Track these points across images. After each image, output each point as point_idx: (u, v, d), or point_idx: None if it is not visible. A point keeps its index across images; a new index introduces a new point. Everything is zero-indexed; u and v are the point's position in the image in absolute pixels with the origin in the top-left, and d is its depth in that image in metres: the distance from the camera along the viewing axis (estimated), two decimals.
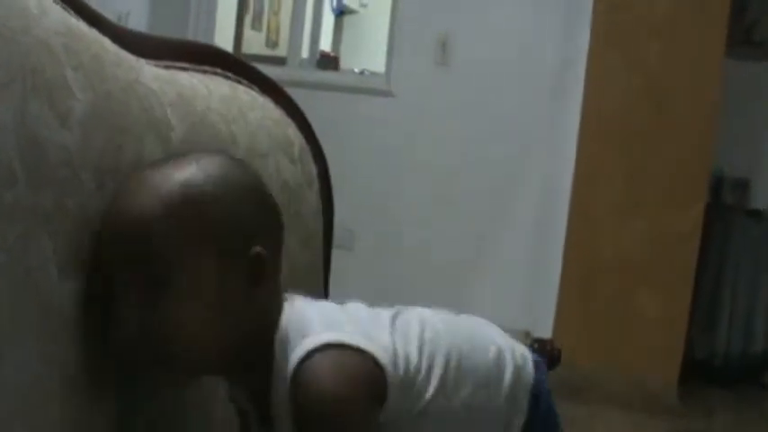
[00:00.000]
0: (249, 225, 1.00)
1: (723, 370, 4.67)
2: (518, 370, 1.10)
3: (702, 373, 4.55)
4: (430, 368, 1.02)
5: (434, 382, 1.01)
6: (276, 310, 1.01)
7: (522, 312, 4.23)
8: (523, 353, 1.14)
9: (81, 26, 1.01)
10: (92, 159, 0.94)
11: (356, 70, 6.35)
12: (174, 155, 1.02)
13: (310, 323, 0.99)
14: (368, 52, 7.15)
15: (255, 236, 0.99)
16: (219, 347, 0.95)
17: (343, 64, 6.76)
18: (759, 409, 4.37)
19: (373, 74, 5.73)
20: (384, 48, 4.95)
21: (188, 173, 0.97)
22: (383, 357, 0.98)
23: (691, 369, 4.32)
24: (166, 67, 1.26)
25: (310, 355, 0.95)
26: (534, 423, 1.10)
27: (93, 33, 1.03)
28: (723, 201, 5.00)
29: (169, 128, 1.12)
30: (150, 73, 1.16)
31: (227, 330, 0.96)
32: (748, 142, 5.01)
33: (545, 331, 3.95)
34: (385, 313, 1.07)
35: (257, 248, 0.98)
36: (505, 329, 1.76)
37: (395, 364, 0.99)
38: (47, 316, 0.87)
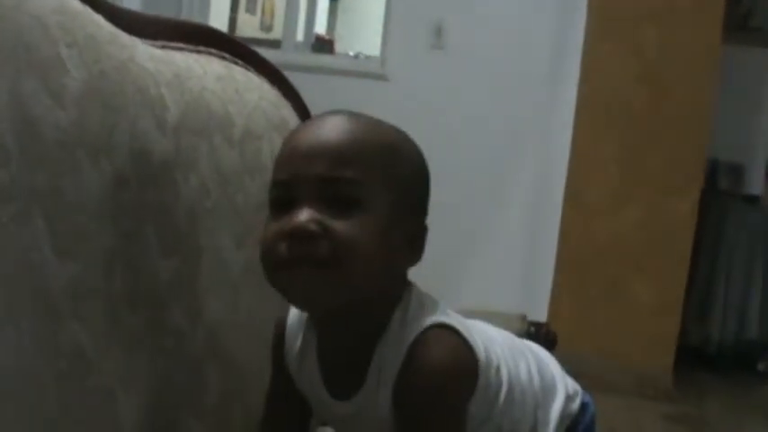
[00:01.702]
0: (420, 196, 1.07)
1: (717, 356, 4.68)
2: (567, 401, 1.18)
3: (697, 360, 4.56)
4: (500, 384, 1.07)
5: (501, 397, 1.07)
6: (404, 283, 1.06)
7: (517, 298, 4.22)
8: (576, 387, 1.22)
9: (75, 4, 0.99)
10: (87, 138, 0.93)
11: (351, 54, 6.34)
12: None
13: (434, 304, 1.05)
14: (363, 36, 7.13)
15: (425, 208, 1.07)
16: (376, 273, 0.98)
17: (338, 47, 6.75)
18: (753, 395, 4.38)
19: (368, 57, 5.72)
20: (379, 31, 4.94)
21: (389, 126, 1.06)
22: (481, 363, 1.03)
23: (685, 355, 4.33)
24: (162, 47, 1.25)
25: (437, 327, 1.00)
26: None
27: (87, 11, 1.02)
28: (718, 187, 5.00)
29: (164, 107, 1.11)
30: (145, 52, 1.15)
31: (386, 266, 0.99)
32: (744, 128, 5.01)
33: (540, 317, 3.94)
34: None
35: (424, 221, 1.06)
36: (501, 313, 1.77)
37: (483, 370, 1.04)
38: (42, 298, 0.86)
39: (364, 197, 0.96)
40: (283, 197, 0.98)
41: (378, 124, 1.04)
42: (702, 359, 4.63)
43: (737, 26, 4.69)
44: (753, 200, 4.90)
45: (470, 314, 1.75)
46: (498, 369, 1.07)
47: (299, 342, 1.10)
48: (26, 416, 0.83)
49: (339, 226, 0.94)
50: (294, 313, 1.11)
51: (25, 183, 0.83)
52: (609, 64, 4.17)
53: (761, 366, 4.60)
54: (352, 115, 1.03)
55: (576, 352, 3.96)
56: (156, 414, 1.05)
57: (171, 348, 1.09)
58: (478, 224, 4.62)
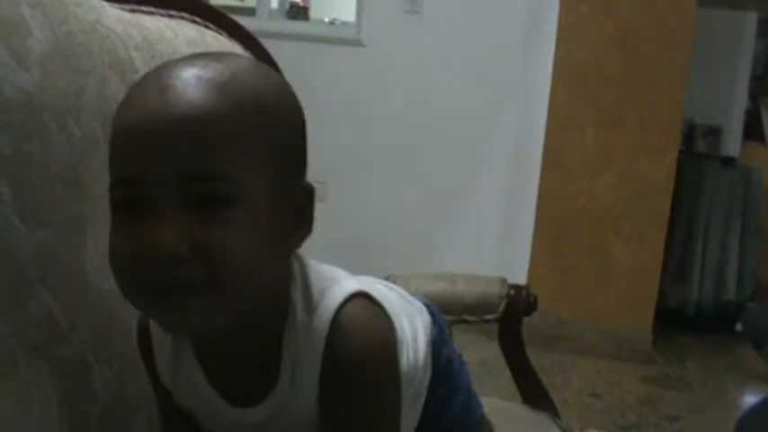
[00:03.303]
0: (302, 151, 0.87)
1: (696, 318, 4.70)
2: (425, 326, 1.05)
3: (675, 322, 4.58)
4: (404, 339, 0.95)
5: (408, 349, 0.96)
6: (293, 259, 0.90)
7: (497, 261, 4.22)
8: (418, 305, 1.09)
9: None
10: (53, 101, 0.90)
11: (326, 20, 6.29)
12: (205, 54, 0.86)
13: (333, 271, 0.92)
14: (338, 2, 7.07)
15: (304, 166, 0.87)
16: (263, 280, 0.81)
17: (314, 14, 6.69)
18: (731, 356, 4.41)
19: (344, 23, 5.68)
20: None
21: (249, 73, 0.83)
22: (391, 315, 0.91)
23: (663, 317, 4.35)
24: (131, 11, 1.22)
25: (353, 297, 0.87)
26: (436, 375, 1.05)
27: None
28: (695, 149, 5.01)
29: (134, 70, 1.09)
30: (113, 15, 1.12)
31: (271, 265, 0.82)
32: (720, 90, 5.01)
33: (519, 280, 3.93)
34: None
35: (308, 182, 0.87)
36: (481, 277, 1.75)
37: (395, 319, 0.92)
38: (8, 266, 0.84)
39: (239, 190, 0.77)
40: (129, 196, 0.78)
41: (235, 74, 0.81)
42: (681, 320, 4.65)
43: None
44: (729, 161, 4.91)
45: (452, 278, 1.74)
46: (402, 328, 0.95)
47: (168, 345, 0.93)
48: None
49: (212, 239, 0.76)
50: None
51: None
52: (585, 26, 4.15)
53: (739, 327, 4.62)
54: (202, 66, 0.80)
55: (556, 315, 3.98)
56: (133, 383, 1.04)
57: None
58: (457, 189, 4.61)
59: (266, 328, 0.87)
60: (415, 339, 1.00)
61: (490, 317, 1.72)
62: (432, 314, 1.09)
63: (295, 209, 0.85)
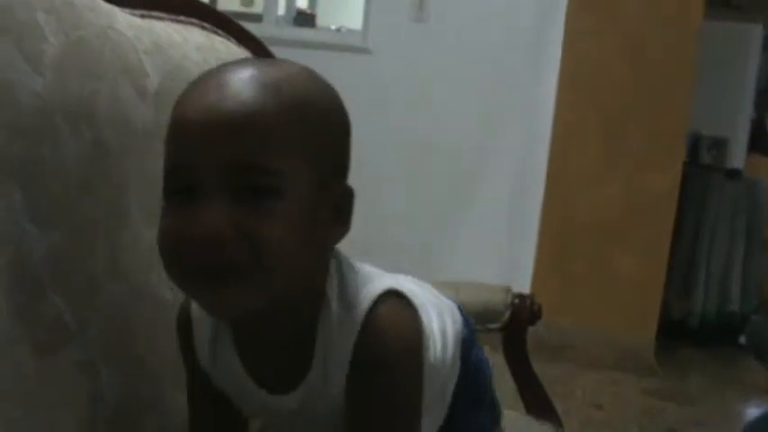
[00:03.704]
0: (345, 153, 0.93)
1: (699, 330, 4.70)
2: (455, 324, 1.09)
3: (679, 334, 4.57)
4: (432, 332, 0.99)
5: (435, 342, 1.00)
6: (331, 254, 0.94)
7: (501, 271, 4.22)
8: (450, 304, 1.12)
9: None
10: (65, 105, 0.91)
11: (333, 27, 6.30)
12: (262, 59, 0.94)
13: (369, 269, 0.96)
14: (345, 9, 7.08)
15: (347, 168, 0.93)
16: (301, 269, 0.86)
17: (320, 21, 6.70)
18: (734, 368, 4.41)
19: (350, 31, 5.68)
20: (361, 5, 4.90)
21: (301, 77, 0.89)
22: (420, 312, 0.95)
23: (667, 329, 4.34)
24: (141, 16, 1.23)
25: (386, 295, 0.91)
26: (466, 375, 1.09)
27: None
28: (701, 160, 5.01)
29: (144, 75, 1.09)
30: (124, 20, 1.13)
31: (315, 256, 0.89)
32: (726, 102, 5.01)
33: (524, 290, 3.93)
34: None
35: (349, 185, 0.92)
36: (486, 285, 1.75)
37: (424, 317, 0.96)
38: (18, 269, 0.84)
39: (283, 183, 0.83)
40: (183, 183, 0.83)
41: (287, 77, 0.87)
42: (684, 333, 4.65)
43: (720, 2, 4.69)
44: (734, 174, 4.91)
45: (456, 286, 1.74)
46: (430, 322, 0.99)
47: (208, 330, 0.97)
48: (4, 387, 0.82)
49: (258, 224, 0.81)
50: None
51: (2, 150, 0.82)
52: (591, 38, 4.16)
53: (743, 339, 4.62)
54: (257, 68, 0.87)
55: (560, 326, 3.98)
56: (143, 384, 1.04)
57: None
58: (461, 198, 4.61)
59: (301, 319, 0.91)
60: (443, 334, 1.03)
61: (494, 326, 1.72)
62: (462, 315, 1.13)
63: (335, 207, 0.90)
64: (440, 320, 1.03)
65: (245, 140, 0.82)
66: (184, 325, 0.99)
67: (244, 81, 0.84)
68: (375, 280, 0.93)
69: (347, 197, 0.92)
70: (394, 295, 0.92)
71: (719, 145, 5.07)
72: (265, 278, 0.83)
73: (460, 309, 1.14)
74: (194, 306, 0.97)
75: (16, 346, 0.83)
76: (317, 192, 0.86)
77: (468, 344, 1.10)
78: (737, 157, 5.09)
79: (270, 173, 0.82)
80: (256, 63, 0.88)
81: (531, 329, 1.76)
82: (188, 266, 0.83)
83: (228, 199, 0.81)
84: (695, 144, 4.96)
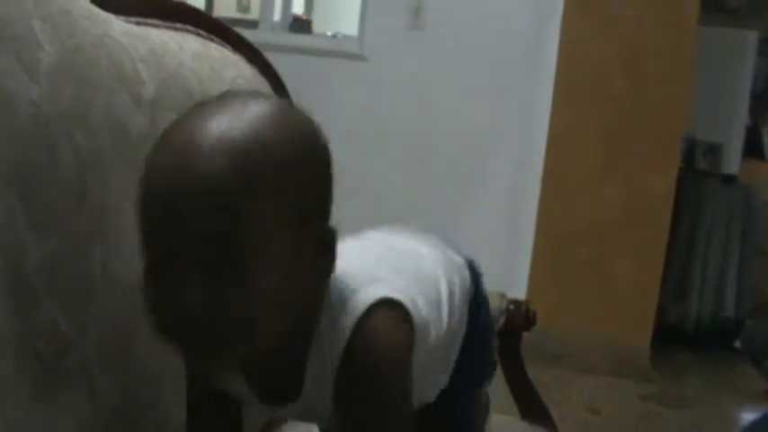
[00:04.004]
0: (325, 199, 0.91)
1: (695, 335, 4.70)
2: (463, 282, 1.12)
3: (674, 338, 4.58)
4: (429, 314, 1.00)
5: (432, 328, 1.01)
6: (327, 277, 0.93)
7: (497, 275, 4.21)
8: (459, 262, 1.14)
9: None
10: (61, 113, 0.91)
11: (329, 34, 6.31)
12: (224, 97, 0.88)
13: (353, 276, 0.94)
14: (341, 16, 7.09)
15: (327, 202, 0.91)
16: (293, 320, 0.88)
17: (316, 27, 6.71)
18: (730, 373, 4.41)
19: (346, 37, 5.69)
20: (357, 11, 4.91)
21: (272, 129, 0.84)
22: (413, 311, 0.95)
23: (663, 334, 4.35)
24: (137, 24, 1.23)
25: (368, 312, 0.91)
26: (474, 333, 1.12)
27: None
28: (696, 166, 5.01)
29: (140, 83, 1.10)
30: (120, 28, 1.13)
31: (293, 311, 0.87)
32: (721, 108, 5.02)
33: (519, 295, 3.93)
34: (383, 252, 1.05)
35: (330, 224, 0.91)
36: None
37: (415, 314, 0.96)
38: (15, 274, 0.85)
39: (256, 244, 0.81)
40: (155, 254, 0.82)
41: (257, 136, 0.82)
42: (680, 337, 4.65)
43: (715, 7, 4.70)
44: (730, 179, 4.92)
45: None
46: (426, 300, 1.00)
47: None
48: (4, 388, 0.82)
49: (232, 297, 0.80)
50: None
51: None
52: (587, 43, 4.17)
53: (738, 344, 4.63)
54: (226, 124, 0.82)
55: (556, 330, 3.98)
56: (140, 390, 1.04)
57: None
58: (458, 203, 4.61)
59: (294, 347, 0.92)
60: (451, 298, 1.06)
61: None
62: (472, 271, 1.16)
63: (317, 252, 0.88)
64: (448, 288, 1.06)
65: (210, 211, 0.79)
66: None
67: (208, 145, 0.80)
68: (361, 290, 0.92)
69: (330, 240, 0.90)
70: (381, 306, 0.91)
71: (715, 150, 5.07)
72: (250, 345, 0.84)
73: (471, 264, 1.17)
74: None
75: (15, 348, 0.83)
76: (298, 242, 0.85)
77: (476, 303, 1.13)
78: (733, 162, 5.09)
79: (237, 236, 0.80)
80: (225, 116, 0.83)
81: (525, 334, 1.77)
82: (172, 332, 0.83)
83: (201, 276, 0.80)
84: (691, 149, 4.96)
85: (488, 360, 1.21)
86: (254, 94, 0.94)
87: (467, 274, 1.14)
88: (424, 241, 1.13)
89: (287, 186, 0.84)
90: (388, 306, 0.92)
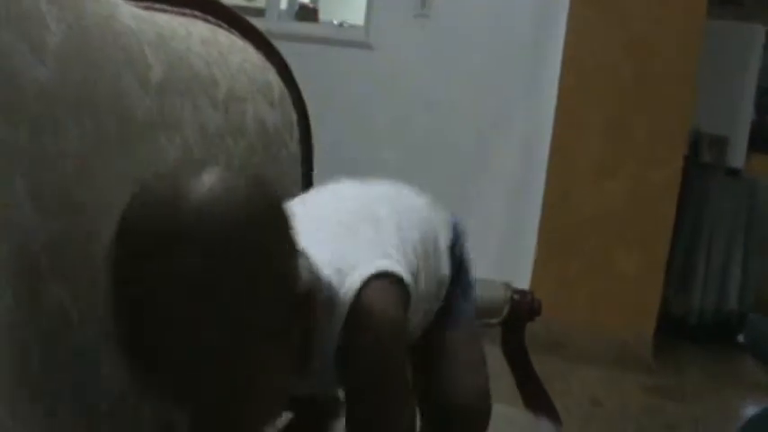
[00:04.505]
0: (291, 266, 0.88)
1: (697, 327, 4.70)
2: (448, 234, 1.25)
3: (677, 331, 4.58)
4: (417, 272, 1.08)
5: (421, 284, 1.09)
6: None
7: (501, 267, 4.22)
8: (445, 218, 1.28)
9: None
10: (67, 95, 0.91)
11: (335, 22, 6.30)
12: (178, 182, 0.86)
13: (341, 254, 0.99)
14: (347, 4, 7.08)
15: (295, 269, 0.89)
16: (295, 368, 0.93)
17: (323, 16, 6.70)
18: (732, 366, 4.41)
19: (352, 26, 5.68)
20: (363, 0, 4.91)
21: (230, 233, 0.82)
22: (406, 278, 1.01)
23: (666, 326, 4.34)
24: (145, 8, 1.23)
25: (365, 284, 0.97)
26: (458, 273, 1.26)
27: None
28: (701, 159, 5.01)
29: (147, 66, 1.10)
30: (127, 11, 1.13)
31: (297, 351, 0.92)
32: (727, 101, 5.01)
33: (523, 286, 3.93)
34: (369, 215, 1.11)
35: (301, 290, 0.89)
36: (485, 280, 1.75)
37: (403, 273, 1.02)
38: (21, 256, 0.84)
39: (242, 370, 0.83)
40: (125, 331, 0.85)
41: (218, 236, 0.81)
42: (683, 330, 4.65)
43: (723, 0, 4.69)
44: (734, 172, 4.92)
45: None
46: (415, 256, 1.09)
47: None
48: (9, 375, 0.82)
49: (228, 417, 0.85)
50: None
51: (5, 138, 0.82)
52: (594, 33, 4.16)
53: (740, 338, 4.62)
54: (194, 220, 0.81)
55: (559, 321, 3.98)
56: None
57: None
58: (462, 193, 4.61)
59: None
60: (437, 253, 1.19)
61: (493, 321, 1.72)
62: (454, 223, 1.30)
63: (298, 316, 0.90)
64: (434, 243, 1.18)
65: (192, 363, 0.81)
66: None
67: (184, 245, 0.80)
68: (353, 271, 0.97)
69: (305, 302, 0.91)
70: (374, 281, 0.97)
71: (720, 143, 5.07)
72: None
73: (453, 219, 1.32)
74: None
75: (20, 332, 0.83)
76: (268, 347, 0.85)
77: (457, 250, 1.26)
78: (738, 156, 5.09)
79: (223, 377, 0.82)
80: (192, 209, 0.82)
81: (528, 325, 1.77)
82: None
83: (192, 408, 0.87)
84: (696, 142, 4.96)
85: (470, 292, 1.31)
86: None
87: (450, 225, 1.28)
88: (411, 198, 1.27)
89: (241, 310, 0.82)
90: (377, 278, 0.98)
